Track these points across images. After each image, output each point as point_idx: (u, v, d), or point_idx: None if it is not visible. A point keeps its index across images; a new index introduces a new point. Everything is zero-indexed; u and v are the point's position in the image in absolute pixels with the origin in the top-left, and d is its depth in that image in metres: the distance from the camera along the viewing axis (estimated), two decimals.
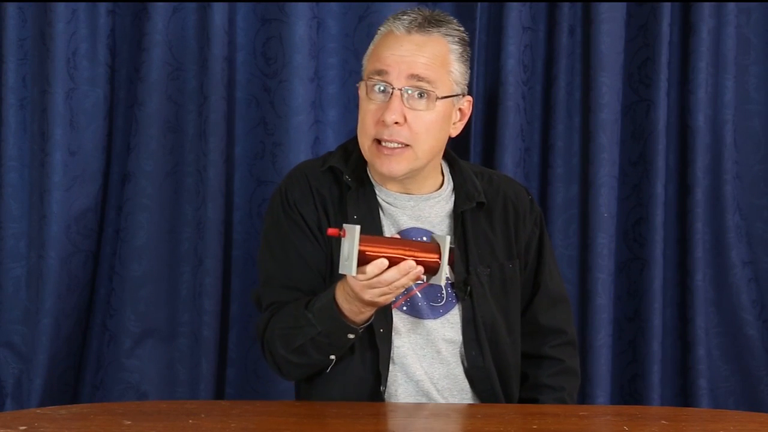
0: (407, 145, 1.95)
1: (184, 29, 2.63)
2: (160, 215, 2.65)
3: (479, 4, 2.68)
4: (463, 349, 2.01)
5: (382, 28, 2.01)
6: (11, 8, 2.59)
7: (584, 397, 2.66)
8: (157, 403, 2.24)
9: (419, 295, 2.00)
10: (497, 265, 2.06)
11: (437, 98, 1.95)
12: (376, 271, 1.79)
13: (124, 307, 2.66)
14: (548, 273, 2.13)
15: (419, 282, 1.91)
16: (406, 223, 2.03)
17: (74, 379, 2.69)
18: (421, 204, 2.04)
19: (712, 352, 2.76)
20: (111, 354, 2.68)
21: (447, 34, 1.98)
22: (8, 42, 2.60)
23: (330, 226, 1.90)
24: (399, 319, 1.99)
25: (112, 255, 2.68)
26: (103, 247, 2.68)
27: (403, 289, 1.85)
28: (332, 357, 1.95)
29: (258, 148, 2.68)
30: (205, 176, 2.61)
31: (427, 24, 1.97)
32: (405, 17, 1.98)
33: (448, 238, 1.85)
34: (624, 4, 2.70)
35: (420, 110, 1.95)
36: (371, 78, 1.97)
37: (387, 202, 2.04)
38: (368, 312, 1.89)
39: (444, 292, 2.01)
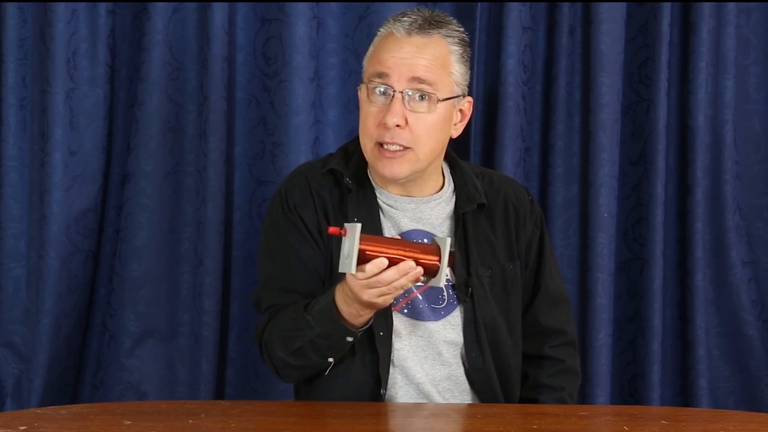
0: (409, 148, 1.95)
1: (184, 29, 2.63)
2: (160, 215, 2.65)
3: (479, 4, 2.68)
4: (463, 351, 2.01)
5: (381, 30, 2.01)
6: (11, 8, 2.59)
7: (584, 397, 2.66)
8: (157, 403, 2.24)
9: (420, 298, 2.00)
10: (498, 266, 2.06)
11: (438, 100, 1.95)
12: (375, 270, 1.79)
13: (124, 307, 2.66)
14: (548, 274, 2.13)
15: (419, 284, 1.91)
16: (407, 225, 2.03)
17: (74, 379, 2.69)
18: (421, 206, 2.04)
19: (712, 352, 2.76)
20: (111, 354, 2.68)
21: (447, 36, 1.98)
22: (8, 42, 2.60)
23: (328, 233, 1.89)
24: (399, 322, 1.99)
25: (112, 255, 2.68)
26: (103, 247, 2.68)
27: (402, 291, 1.84)
28: (330, 359, 1.94)
29: (258, 148, 2.67)
30: (205, 176, 2.61)
31: (428, 25, 1.97)
32: (405, 19, 1.97)
33: (449, 241, 1.84)
34: (624, 4, 2.70)
35: (421, 112, 1.95)
36: (372, 80, 1.96)
37: (388, 205, 2.03)
38: (367, 315, 1.89)
39: (445, 293, 2.01)
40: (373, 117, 1.96)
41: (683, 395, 2.76)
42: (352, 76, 2.64)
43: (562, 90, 2.72)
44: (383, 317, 1.96)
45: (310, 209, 2.02)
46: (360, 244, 1.78)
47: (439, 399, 2.00)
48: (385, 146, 1.95)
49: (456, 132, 2.04)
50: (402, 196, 2.04)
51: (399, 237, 2.00)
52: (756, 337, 2.76)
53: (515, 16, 2.66)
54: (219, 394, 2.67)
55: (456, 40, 1.99)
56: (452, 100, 1.99)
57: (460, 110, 2.03)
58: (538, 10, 2.73)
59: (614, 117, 2.69)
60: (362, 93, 2.00)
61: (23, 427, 1.68)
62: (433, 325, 2.00)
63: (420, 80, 1.94)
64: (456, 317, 2.01)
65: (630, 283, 2.76)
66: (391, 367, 1.98)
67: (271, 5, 2.63)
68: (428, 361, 2.00)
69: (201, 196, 2.62)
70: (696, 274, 2.70)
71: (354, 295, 1.84)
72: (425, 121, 1.95)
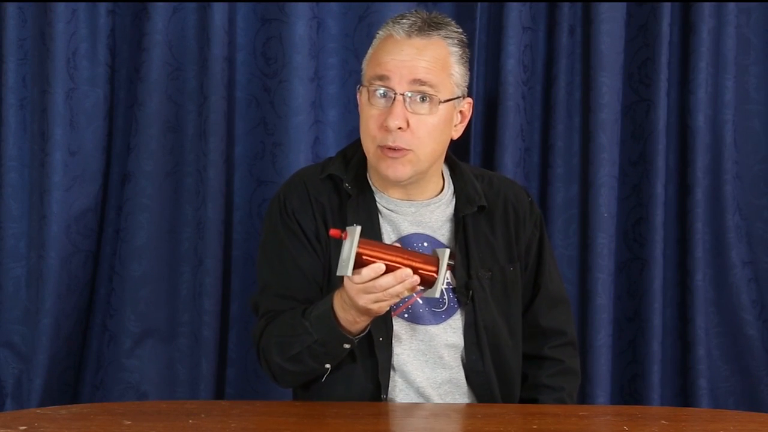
0: (410, 150, 1.94)
1: (184, 29, 2.63)
2: (160, 215, 2.65)
3: (479, 4, 2.68)
4: (464, 354, 2.01)
5: (380, 32, 2.00)
6: (11, 8, 2.59)
7: (584, 397, 2.66)
8: (157, 403, 2.24)
9: (420, 302, 1.99)
10: (498, 268, 2.05)
11: (440, 102, 1.95)
12: (372, 275, 1.78)
13: (124, 307, 2.66)
14: (548, 275, 2.13)
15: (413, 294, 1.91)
16: (407, 228, 2.02)
17: (74, 379, 2.69)
18: (421, 209, 2.04)
19: (712, 352, 2.76)
20: (111, 354, 2.68)
21: (447, 37, 1.98)
22: (8, 42, 2.60)
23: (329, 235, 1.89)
24: (400, 326, 1.99)
25: (112, 255, 2.68)
26: (103, 247, 2.68)
27: (398, 299, 1.83)
28: (328, 366, 1.94)
29: (258, 148, 2.67)
30: (205, 176, 2.61)
31: (427, 27, 1.96)
32: (404, 21, 1.97)
33: (447, 252, 1.83)
34: (624, 4, 2.70)
35: (422, 114, 1.94)
36: (372, 83, 1.96)
37: (388, 209, 2.03)
38: (363, 322, 1.88)
39: (446, 297, 2.01)
40: (374, 120, 1.95)
41: (683, 395, 2.76)
42: (352, 76, 2.64)
43: (562, 90, 2.72)
44: (383, 322, 1.95)
45: (308, 215, 2.01)
46: (358, 247, 1.77)
47: (439, 401, 2.00)
48: (388, 148, 1.94)
49: (456, 133, 2.04)
50: (402, 200, 2.03)
51: (398, 242, 2.00)
52: (756, 337, 2.76)
53: (515, 16, 2.66)
54: (219, 394, 2.67)
55: (455, 41, 1.99)
56: (453, 101, 1.98)
57: (460, 111, 2.03)
58: (538, 10, 2.73)
59: (614, 117, 2.69)
60: (362, 96, 1.99)
61: (23, 427, 1.68)
62: (433, 329, 2.00)
63: (421, 82, 1.94)
64: (457, 320, 2.01)
65: (630, 283, 2.76)
66: (391, 372, 1.97)
67: (271, 5, 2.63)
68: (429, 364, 1.99)
69: (201, 196, 2.62)
70: (696, 274, 2.70)
71: (350, 301, 1.83)
72: (427, 123, 1.95)
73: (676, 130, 2.76)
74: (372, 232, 1.98)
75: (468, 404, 2.01)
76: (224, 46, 2.59)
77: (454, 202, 2.07)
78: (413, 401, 1.98)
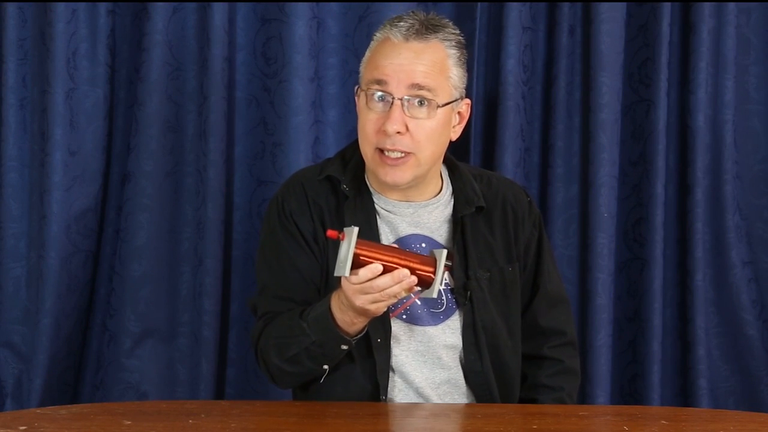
0: (410, 153, 1.94)
1: (184, 29, 2.63)
2: (160, 215, 2.65)
3: (479, 4, 2.68)
4: (462, 354, 2.01)
5: (378, 35, 1.99)
6: (11, 8, 2.59)
7: (584, 397, 2.66)
8: (157, 403, 2.24)
9: (418, 303, 1.99)
10: (497, 269, 2.05)
11: (438, 106, 1.94)
12: (369, 275, 1.78)
13: (124, 307, 2.66)
14: (547, 275, 2.12)
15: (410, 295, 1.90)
16: (405, 229, 2.02)
17: (74, 379, 2.69)
18: (419, 210, 2.03)
19: (712, 352, 2.76)
20: (111, 354, 2.68)
21: (444, 39, 1.96)
22: (8, 42, 2.60)
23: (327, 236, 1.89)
24: (398, 327, 1.99)
25: (112, 255, 2.68)
26: (103, 247, 2.68)
27: (395, 299, 1.83)
28: (325, 367, 1.94)
29: (258, 148, 2.67)
30: (205, 176, 2.61)
31: (425, 30, 1.95)
32: (401, 23, 1.95)
33: (445, 252, 1.83)
34: (624, 4, 2.70)
35: (421, 118, 1.94)
36: (370, 87, 1.95)
37: (386, 210, 2.03)
38: (360, 323, 1.88)
39: (444, 298, 2.01)
40: (372, 123, 1.95)
41: (683, 395, 2.76)
42: (352, 76, 2.64)
43: (562, 90, 2.72)
44: (381, 323, 1.95)
45: (306, 217, 2.01)
46: (356, 248, 1.77)
47: (438, 402, 1.99)
48: (386, 153, 1.94)
49: (455, 135, 2.03)
50: (400, 201, 2.03)
51: (396, 243, 1.99)
52: (756, 337, 2.76)
53: (515, 16, 2.66)
54: (219, 394, 2.67)
55: (453, 43, 1.98)
56: (451, 104, 1.98)
57: (459, 113, 2.02)
58: (538, 10, 2.73)
59: (614, 117, 2.69)
60: (360, 99, 1.98)
61: (23, 427, 1.68)
62: (432, 330, 2.00)
63: (419, 86, 1.93)
64: (455, 321, 2.01)
65: (630, 283, 2.76)
66: (390, 373, 1.97)
67: (271, 5, 2.63)
68: (427, 365, 1.99)
69: (201, 196, 2.62)
70: (696, 274, 2.70)
71: (348, 302, 1.83)
72: (425, 126, 1.94)
73: (676, 130, 2.76)
74: (370, 233, 1.98)
75: (468, 404, 2.01)
76: (224, 46, 2.60)
77: (452, 202, 2.07)
78: (412, 400, 1.98)
